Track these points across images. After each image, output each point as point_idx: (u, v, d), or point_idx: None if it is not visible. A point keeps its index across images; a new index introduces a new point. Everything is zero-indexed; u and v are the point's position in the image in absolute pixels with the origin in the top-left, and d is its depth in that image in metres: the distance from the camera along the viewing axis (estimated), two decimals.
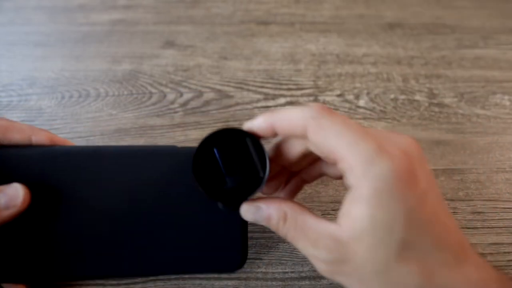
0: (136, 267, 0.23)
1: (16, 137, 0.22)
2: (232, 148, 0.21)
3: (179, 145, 0.33)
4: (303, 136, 0.19)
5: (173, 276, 0.26)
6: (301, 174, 0.24)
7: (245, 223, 0.24)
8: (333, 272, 0.19)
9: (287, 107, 0.24)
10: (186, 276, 0.25)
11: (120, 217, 0.23)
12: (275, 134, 0.21)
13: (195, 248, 0.23)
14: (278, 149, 0.22)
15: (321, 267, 0.19)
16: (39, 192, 0.22)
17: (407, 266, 0.17)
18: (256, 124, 0.20)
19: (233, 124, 0.35)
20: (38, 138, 0.23)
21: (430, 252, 0.18)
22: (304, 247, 0.19)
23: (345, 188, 0.19)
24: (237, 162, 0.21)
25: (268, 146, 0.22)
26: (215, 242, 0.23)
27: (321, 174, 0.24)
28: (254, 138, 0.21)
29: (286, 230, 0.20)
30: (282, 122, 0.20)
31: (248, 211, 0.21)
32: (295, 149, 0.21)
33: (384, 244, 0.17)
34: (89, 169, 0.23)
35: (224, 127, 0.21)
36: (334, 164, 0.19)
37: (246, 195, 0.21)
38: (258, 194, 0.22)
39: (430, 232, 0.18)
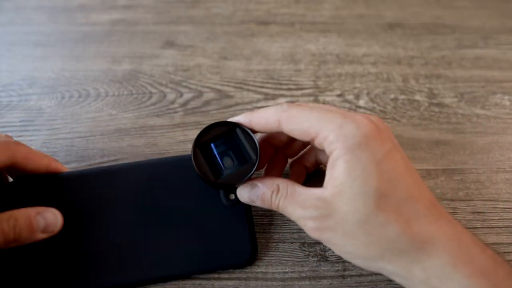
0: (157, 272, 0.24)
1: (35, 166, 0.24)
2: (225, 140, 0.24)
3: (179, 145, 0.33)
4: (279, 129, 0.22)
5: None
6: (301, 162, 0.28)
7: (251, 220, 0.25)
8: (320, 228, 0.21)
9: (262, 107, 0.26)
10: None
11: (139, 227, 0.25)
12: (254, 131, 0.24)
13: (208, 248, 0.24)
14: (269, 136, 0.26)
15: (309, 225, 0.21)
16: (68, 212, 0.24)
17: (386, 216, 0.19)
18: (236, 121, 0.24)
19: None
20: (53, 167, 0.25)
21: (404, 203, 0.20)
22: (294, 210, 0.22)
23: None
24: (231, 151, 0.24)
25: (258, 135, 0.24)
26: (226, 241, 0.24)
27: (317, 162, 0.28)
28: (243, 128, 0.23)
29: (278, 200, 0.22)
30: (260, 120, 0.23)
31: (243, 189, 0.24)
32: (282, 135, 0.24)
33: (362, 195, 0.19)
34: (109, 186, 0.25)
35: (216, 121, 0.24)
36: (312, 142, 0.22)
37: (241, 178, 0.23)
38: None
39: (401, 185, 0.20)
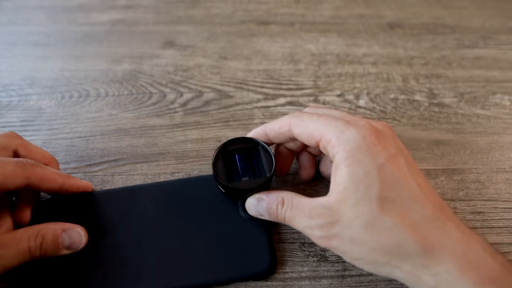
0: (179, 283, 0.24)
1: (49, 186, 0.24)
2: (248, 154, 0.26)
3: (179, 145, 0.33)
4: (289, 133, 0.24)
5: None
6: (308, 150, 0.28)
7: (270, 233, 0.26)
8: (328, 236, 0.21)
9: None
10: None
11: (163, 241, 0.26)
12: (270, 140, 0.26)
13: (228, 261, 0.25)
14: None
15: (316, 234, 0.21)
16: (100, 227, 0.26)
17: (391, 220, 0.19)
18: (255, 133, 0.26)
19: (233, 124, 0.35)
20: (67, 187, 0.25)
21: (409, 206, 0.20)
22: (301, 221, 0.22)
23: None
24: (250, 164, 0.26)
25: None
26: (245, 253, 0.25)
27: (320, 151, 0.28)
28: (265, 148, 0.26)
29: (284, 212, 0.23)
30: (273, 126, 0.25)
31: (250, 203, 0.25)
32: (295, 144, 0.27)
33: (365, 199, 0.20)
34: (135, 203, 0.27)
35: (240, 136, 0.26)
36: (318, 146, 0.23)
37: (250, 185, 0.25)
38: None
39: (405, 189, 0.20)
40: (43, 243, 0.22)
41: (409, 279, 0.20)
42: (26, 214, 0.25)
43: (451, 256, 0.19)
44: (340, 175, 0.21)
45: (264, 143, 0.26)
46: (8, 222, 0.24)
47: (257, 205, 0.24)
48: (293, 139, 0.25)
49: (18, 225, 0.25)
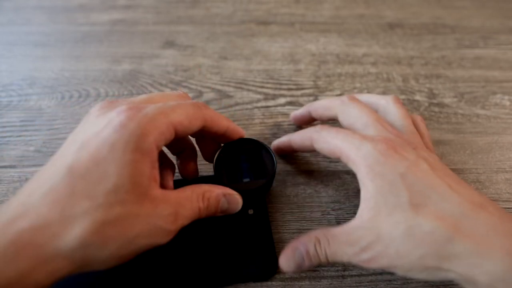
0: (181, 283, 0.25)
1: (218, 128, 0.24)
2: (252, 155, 0.26)
3: None
4: (311, 147, 0.25)
5: None
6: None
7: (270, 235, 0.27)
8: (375, 257, 0.20)
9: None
10: None
11: (173, 245, 0.25)
12: (295, 150, 0.28)
13: (230, 262, 0.25)
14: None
15: (364, 258, 0.20)
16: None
17: (429, 223, 0.19)
18: (280, 142, 0.29)
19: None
20: (231, 130, 0.25)
21: (444, 207, 0.19)
22: (343, 251, 0.21)
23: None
24: (252, 166, 0.26)
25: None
26: (247, 255, 0.26)
27: None
28: (267, 148, 0.26)
29: (323, 250, 0.21)
30: (296, 137, 0.27)
31: (285, 259, 0.22)
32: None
33: (398, 207, 0.19)
34: None
35: (247, 137, 0.26)
36: (338, 159, 0.23)
37: (250, 186, 0.25)
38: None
39: (434, 192, 0.20)
40: (209, 206, 0.22)
41: (465, 279, 0.19)
42: (194, 168, 0.26)
43: (503, 251, 0.18)
44: (366, 191, 0.21)
45: (280, 148, 0.27)
46: (171, 179, 0.25)
47: (294, 257, 0.22)
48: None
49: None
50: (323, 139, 0.24)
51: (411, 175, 0.20)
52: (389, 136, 0.23)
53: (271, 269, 0.25)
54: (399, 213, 0.19)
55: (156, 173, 0.20)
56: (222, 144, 0.26)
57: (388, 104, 0.27)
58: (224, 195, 0.23)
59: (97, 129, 0.19)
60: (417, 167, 0.21)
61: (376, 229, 0.20)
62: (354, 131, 0.24)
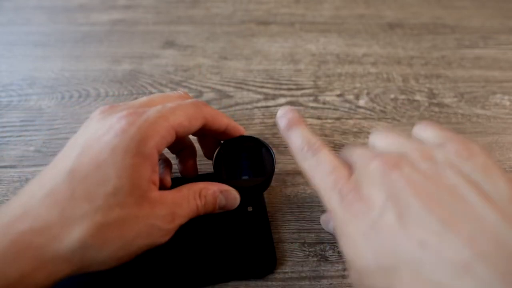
0: (180, 279, 0.25)
1: (219, 126, 0.24)
2: (252, 154, 0.26)
3: None
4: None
5: None
6: None
7: (269, 232, 0.27)
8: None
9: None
10: None
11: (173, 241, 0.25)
12: None
13: (229, 259, 0.25)
14: None
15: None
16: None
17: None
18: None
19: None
20: (231, 128, 0.25)
21: (416, 275, 0.15)
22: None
23: None
24: (251, 164, 0.26)
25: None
26: (246, 252, 0.26)
27: None
28: (266, 146, 0.26)
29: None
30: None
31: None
32: None
33: (368, 274, 0.17)
34: None
35: (247, 135, 0.26)
36: None
37: (246, 184, 0.25)
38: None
39: (402, 254, 0.16)
40: (206, 203, 0.22)
41: None
42: (193, 167, 0.27)
43: None
44: (343, 250, 0.18)
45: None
46: (169, 179, 0.25)
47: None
48: None
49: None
50: (312, 174, 0.21)
51: (374, 235, 0.17)
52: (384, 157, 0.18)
53: (270, 266, 0.25)
54: (370, 280, 0.17)
55: (156, 176, 0.20)
56: (222, 141, 0.26)
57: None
58: (221, 191, 0.23)
59: (98, 134, 0.20)
60: (382, 222, 0.16)
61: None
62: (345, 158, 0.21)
